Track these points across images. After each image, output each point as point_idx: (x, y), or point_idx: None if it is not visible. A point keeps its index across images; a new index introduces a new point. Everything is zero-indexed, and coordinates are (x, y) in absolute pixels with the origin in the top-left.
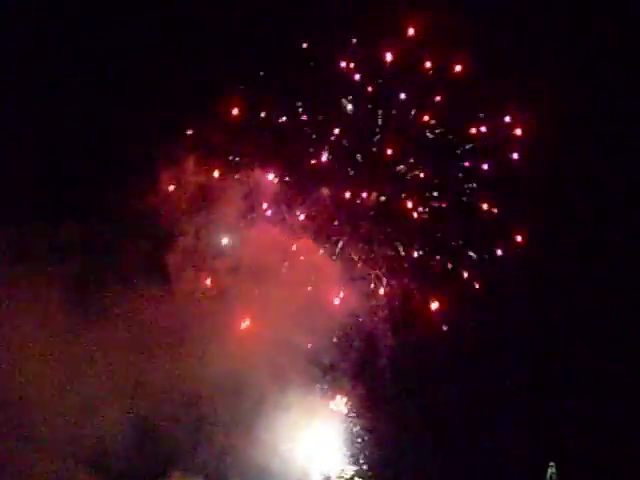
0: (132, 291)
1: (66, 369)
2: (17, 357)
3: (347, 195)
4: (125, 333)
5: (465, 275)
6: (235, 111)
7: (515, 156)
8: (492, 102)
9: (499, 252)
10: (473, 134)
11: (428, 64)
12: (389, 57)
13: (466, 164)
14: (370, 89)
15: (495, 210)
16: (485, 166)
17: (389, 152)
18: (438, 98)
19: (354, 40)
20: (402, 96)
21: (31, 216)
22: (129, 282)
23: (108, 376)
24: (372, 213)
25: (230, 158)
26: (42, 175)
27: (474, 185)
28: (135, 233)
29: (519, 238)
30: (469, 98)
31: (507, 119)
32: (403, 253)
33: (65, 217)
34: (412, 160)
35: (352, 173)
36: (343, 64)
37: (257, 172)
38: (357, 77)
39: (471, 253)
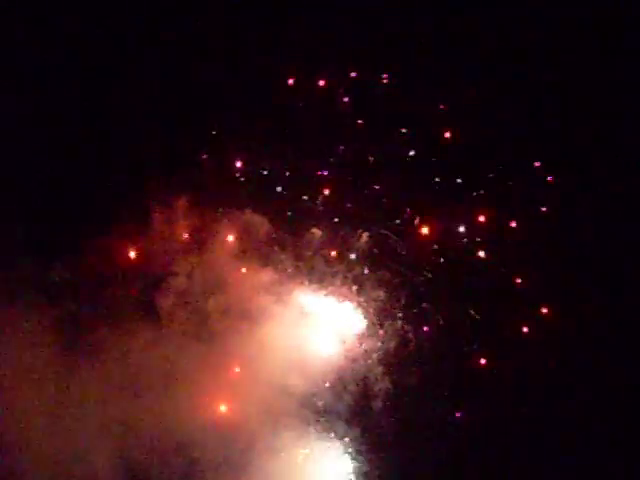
0: (122, 333)
1: (54, 411)
2: (3, 400)
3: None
4: (115, 375)
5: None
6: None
7: (544, 209)
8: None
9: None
10: (490, 179)
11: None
12: (386, 80)
13: (481, 218)
14: (361, 122)
15: (519, 281)
16: (513, 224)
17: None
18: (447, 134)
19: (352, 74)
20: (403, 130)
21: (19, 256)
22: (119, 323)
23: (97, 419)
24: (363, 255)
25: (220, 210)
26: (31, 215)
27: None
28: (125, 274)
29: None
30: (487, 135)
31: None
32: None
33: (54, 257)
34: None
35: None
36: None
37: (248, 214)
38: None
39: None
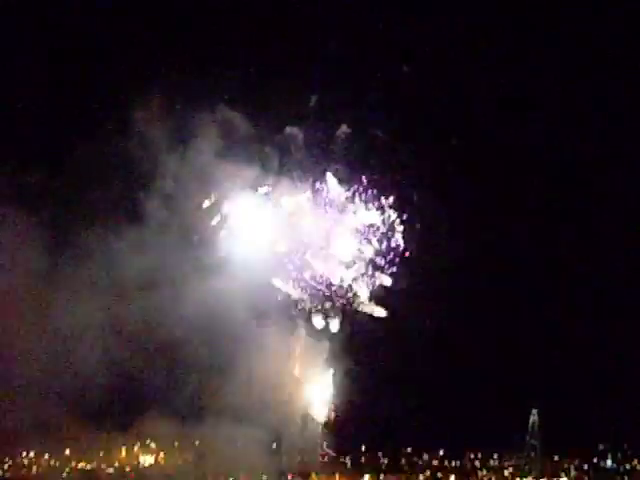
0: (107, 234)
1: (42, 311)
2: None
3: None
4: (100, 276)
5: None
6: None
7: None
8: None
9: None
10: None
11: None
12: None
13: None
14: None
15: None
16: None
17: None
18: None
19: None
20: None
21: (5, 159)
22: (104, 225)
23: (83, 320)
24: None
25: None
26: (17, 119)
27: None
28: (109, 175)
29: None
30: None
31: None
32: None
33: (39, 160)
34: None
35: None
36: None
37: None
38: None
39: None
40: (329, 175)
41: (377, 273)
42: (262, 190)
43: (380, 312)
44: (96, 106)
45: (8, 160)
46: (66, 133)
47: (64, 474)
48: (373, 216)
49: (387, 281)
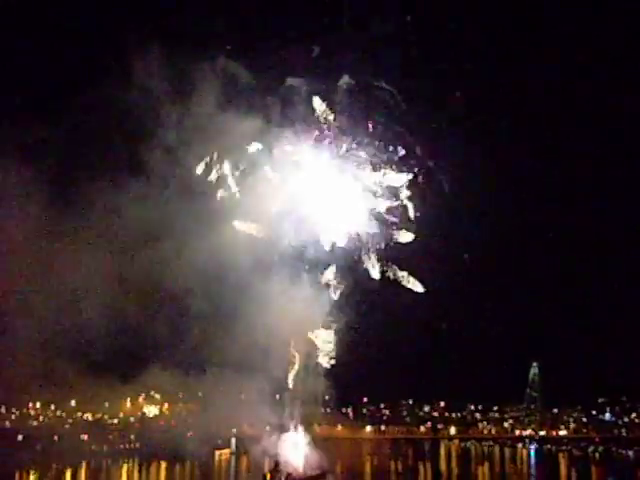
0: (109, 186)
1: (46, 264)
2: None
3: None
4: (103, 229)
5: None
6: None
7: None
8: None
9: None
10: None
11: None
12: None
13: None
14: None
15: None
16: None
17: None
18: None
19: None
20: None
21: (6, 112)
22: (106, 177)
23: (87, 272)
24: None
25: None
26: (17, 73)
27: None
28: (111, 127)
29: None
30: None
31: None
32: None
33: (40, 113)
34: None
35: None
36: None
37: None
38: None
39: None
40: (316, 99)
41: (385, 229)
42: (264, 141)
43: (417, 287)
44: (97, 58)
45: (9, 113)
46: (67, 85)
47: (67, 425)
48: (380, 171)
49: (405, 237)
